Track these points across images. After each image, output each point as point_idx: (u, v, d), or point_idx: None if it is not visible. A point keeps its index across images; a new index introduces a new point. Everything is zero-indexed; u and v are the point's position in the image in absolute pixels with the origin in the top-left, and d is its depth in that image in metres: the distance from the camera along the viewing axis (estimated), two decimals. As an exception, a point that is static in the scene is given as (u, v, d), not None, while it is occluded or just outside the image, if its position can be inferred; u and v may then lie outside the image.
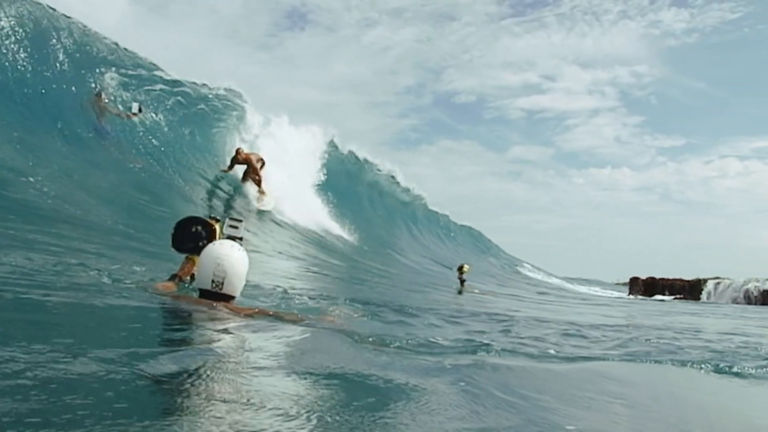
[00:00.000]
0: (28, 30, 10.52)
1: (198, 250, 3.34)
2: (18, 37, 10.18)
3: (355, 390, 2.04)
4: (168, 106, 14.22)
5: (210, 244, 3.28)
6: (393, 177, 23.40)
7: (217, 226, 3.53)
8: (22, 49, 10.15)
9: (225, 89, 16.29)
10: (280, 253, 10.78)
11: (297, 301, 4.87)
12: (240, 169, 14.26)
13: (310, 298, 5.33)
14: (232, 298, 3.27)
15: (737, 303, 28.67)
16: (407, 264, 17.88)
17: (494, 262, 29.38)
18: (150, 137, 12.66)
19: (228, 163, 14.09)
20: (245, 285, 3.45)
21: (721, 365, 3.79)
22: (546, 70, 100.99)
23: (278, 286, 5.57)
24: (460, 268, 14.38)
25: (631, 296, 32.32)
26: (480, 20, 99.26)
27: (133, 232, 7.05)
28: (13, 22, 10.12)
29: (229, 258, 3.18)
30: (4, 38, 9.95)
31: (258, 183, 13.98)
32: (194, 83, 15.57)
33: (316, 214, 15.89)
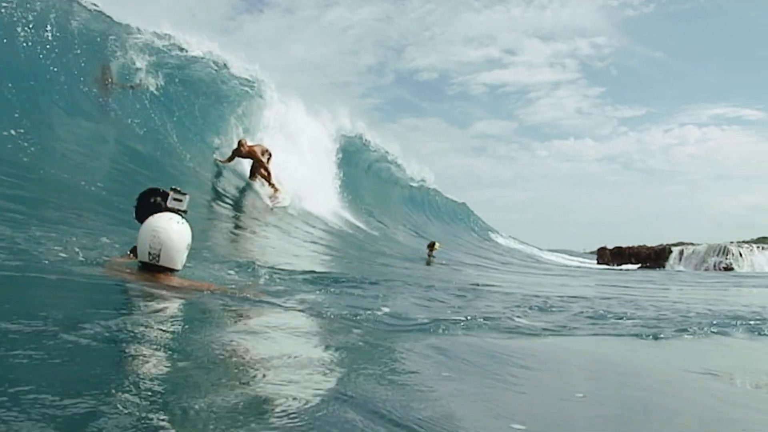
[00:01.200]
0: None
1: None
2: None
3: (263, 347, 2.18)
4: (177, 82, 13.08)
5: (150, 217, 3.28)
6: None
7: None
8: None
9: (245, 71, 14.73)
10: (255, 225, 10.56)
11: (265, 276, 4.81)
12: (243, 163, 12.97)
13: (275, 272, 5.21)
14: (173, 270, 3.29)
15: (705, 270, 29.39)
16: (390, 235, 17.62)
17: (472, 233, 29.30)
18: (152, 114, 11.80)
19: (228, 154, 12.65)
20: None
21: (647, 333, 3.80)
22: (507, 45, 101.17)
23: (251, 261, 5.65)
24: (431, 246, 14.23)
25: (600, 265, 32.89)
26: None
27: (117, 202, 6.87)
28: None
29: (166, 230, 3.20)
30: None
31: (268, 179, 12.71)
32: (212, 61, 14.07)
33: (319, 198, 14.40)
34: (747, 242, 32.39)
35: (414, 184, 24.49)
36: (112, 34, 11.53)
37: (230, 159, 12.65)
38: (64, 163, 7.59)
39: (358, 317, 3.35)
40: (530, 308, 4.88)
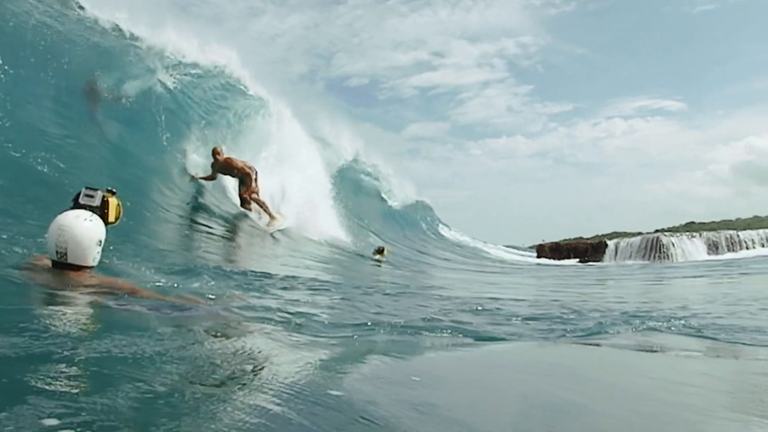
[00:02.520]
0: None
1: None
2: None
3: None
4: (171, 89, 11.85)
5: (59, 215, 3.29)
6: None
7: (114, 199, 3.56)
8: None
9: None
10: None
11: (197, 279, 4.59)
12: (227, 182, 11.33)
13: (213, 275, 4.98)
14: (86, 267, 3.29)
15: (642, 258, 29.99)
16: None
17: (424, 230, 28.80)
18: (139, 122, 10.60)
19: (201, 170, 10.89)
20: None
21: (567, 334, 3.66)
22: (435, 47, 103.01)
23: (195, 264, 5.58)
24: (381, 251, 13.57)
25: (540, 259, 33.20)
26: (366, 2, 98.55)
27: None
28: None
29: (71, 228, 3.22)
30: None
31: (261, 205, 10.99)
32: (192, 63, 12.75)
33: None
34: (677, 229, 33.36)
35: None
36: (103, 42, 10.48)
37: (211, 176, 10.84)
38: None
39: (271, 320, 3.32)
40: (463, 311, 4.71)
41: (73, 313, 2.76)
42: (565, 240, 35.38)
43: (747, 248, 30.88)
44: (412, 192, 28.36)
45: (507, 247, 45.08)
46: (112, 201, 3.54)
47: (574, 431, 1.87)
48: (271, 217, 10.96)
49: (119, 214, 3.57)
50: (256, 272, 5.94)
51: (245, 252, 8.93)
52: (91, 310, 2.90)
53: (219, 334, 2.85)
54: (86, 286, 3.21)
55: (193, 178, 10.61)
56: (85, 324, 2.61)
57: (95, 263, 3.31)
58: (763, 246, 31.33)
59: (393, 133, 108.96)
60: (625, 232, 32.92)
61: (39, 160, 6.71)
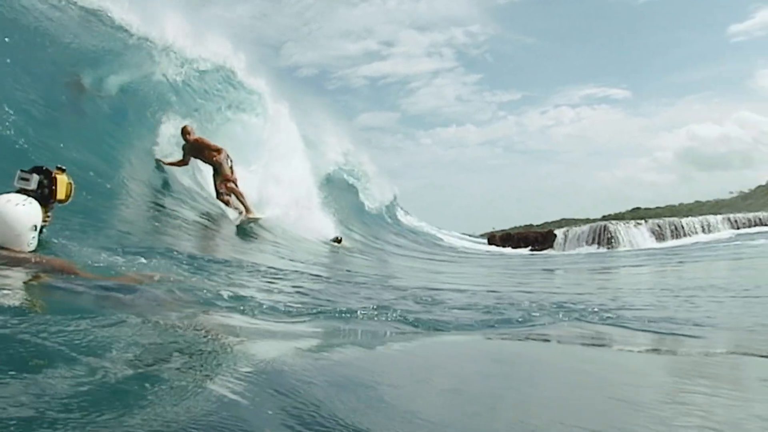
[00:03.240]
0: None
1: (40, 199, 3.36)
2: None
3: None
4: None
5: None
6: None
7: (64, 176, 3.51)
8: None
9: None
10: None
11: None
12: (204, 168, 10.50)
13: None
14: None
15: (590, 246, 30.63)
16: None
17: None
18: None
19: (171, 155, 10.10)
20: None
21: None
22: (384, 37, 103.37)
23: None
24: (338, 240, 13.29)
25: (491, 247, 33.63)
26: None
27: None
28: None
29: (1, 214, 3.13)
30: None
31: (238, 195, 10.11)
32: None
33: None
34: (623, 215, 34.32)
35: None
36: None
37: (183, 160, 10.01)
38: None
39: (213, 304, 3.29)
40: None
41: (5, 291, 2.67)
42: (515, 228, 35.99)
43: (689, 235, 31.87)
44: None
45: (461, 234, 45.71)
46: (61, 178, 3.49)
47: (493, 422, 1.83)
48: (248, 210, 10.12)
49: (70, 192, 3.53)
50: (212, 258, 5.95)
51: (207, 238, 8.61)
52: (23, 289, 2.83)
53: (158, 317, 2.78)
54: (18, 261, 3.13)
55: (159, 163, 9.82)
56: (17, 303, 2.54)
57: (31, 248, 3.25)
58: (704, 232, 32.45)
59: (344, 123, 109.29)
60: (573, 219, 33.69)
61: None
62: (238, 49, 14.04)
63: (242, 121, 13.57)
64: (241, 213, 10.10)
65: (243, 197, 10.13)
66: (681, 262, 12.50)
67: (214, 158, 9.95)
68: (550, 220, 33.47)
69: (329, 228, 13.78)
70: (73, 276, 3.17)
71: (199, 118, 11.97)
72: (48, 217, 3.49)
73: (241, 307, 3.31)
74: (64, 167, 3.52)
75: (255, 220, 10.10)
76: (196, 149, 9.96)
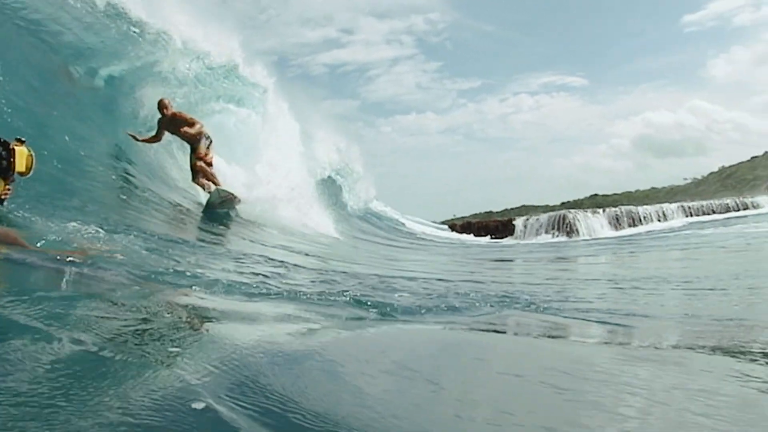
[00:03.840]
0: None
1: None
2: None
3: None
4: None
5: None
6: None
7: (24, 148, 3.48)
8: None
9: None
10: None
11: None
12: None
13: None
14: None
15: (549, 235, 31.11)
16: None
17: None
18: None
19: (144, 132, 9.70)
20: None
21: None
22: (344, 24, 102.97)
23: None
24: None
25: (453, 234, 33.89)
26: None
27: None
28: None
29: None
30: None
31: (209, 175, 9.64)
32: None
33: None
34: (582, 202, 35.01)
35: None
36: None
37: (156, 137, 9.61)
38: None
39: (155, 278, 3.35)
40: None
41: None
42: (476, 215, 36.34)
43: (645, 223, 32.69)
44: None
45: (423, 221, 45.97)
46: (20, 150, 3.46)
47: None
48: (218, 185, 9.74)
49: (31, 163, 3.49)
50: (173, 238, 5.94)
51: (173, 218, 8.43)
52: None
53: (103, 291, 2.87)
54: None
55: (134, 139, 9.43)
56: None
57: None
58: (659, 221, 33.36)
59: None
60: (533, 206, 34.24)
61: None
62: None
63: (235, 112, 13.41)
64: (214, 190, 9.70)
65: (215, 178, 9.72)
66: (632, 252, 12.82)
67: (191, 134, 9.53)
68: (510, 206, 34.03)
69: (317, 220, 13.26)
70: (18, 247, 3.17)
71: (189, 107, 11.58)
72: (8, 189, 3.49)
73: (193, 285, 3.40)
74: (23, 138, 3.49)
75: (231, 199, 9.68)
76: (173, 124, 9.51)
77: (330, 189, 23.75)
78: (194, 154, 9.62)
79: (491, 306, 4.18)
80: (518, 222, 33.64)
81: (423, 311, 3.78)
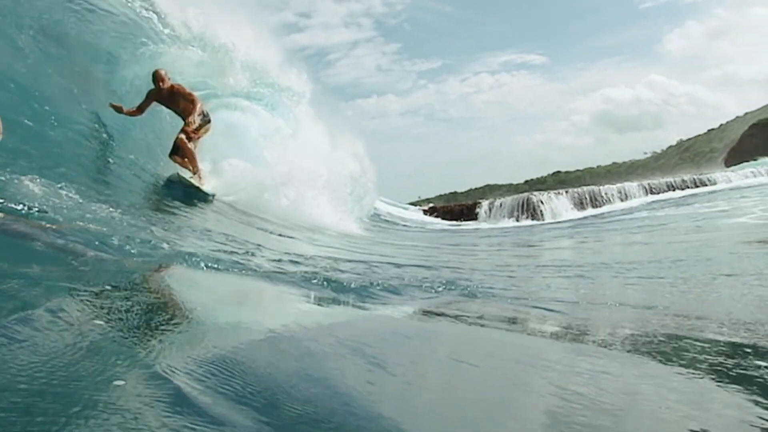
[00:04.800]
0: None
1: None
2: None
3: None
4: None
5: None
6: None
7: None
8: None
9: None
10: None
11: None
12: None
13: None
14: None
15: (513, 218, 31.58)
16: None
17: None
18: None
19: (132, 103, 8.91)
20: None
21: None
22: (301, 8, 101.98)
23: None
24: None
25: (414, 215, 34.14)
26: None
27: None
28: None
29: None
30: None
31: (186, 151, 8.99)
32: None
33: None
34: (545, 179, 35.44)
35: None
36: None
37: (139, 109, 8.88)
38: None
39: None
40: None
41: None
42: (441, 195, 36.60)
43: (607, 203, 33.45)
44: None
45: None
46: None
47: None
48: (195, 172, 9.08)
49: None
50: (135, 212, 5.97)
51: (138, 192, 8.20)
52: None
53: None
54: None
55: (118, 111, 8.67)
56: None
57: None
58: (621, 201, 34.17)
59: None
60: (497, 185, 34.66)
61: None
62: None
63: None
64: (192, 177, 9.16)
65: (193, 160, 9.07)
66: (585, 238, 13.20)
67: (187, 108, 8.90)
68: (474, 186, 34.37)
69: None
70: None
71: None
72: None
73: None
74: None
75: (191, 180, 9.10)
76: (170, 97, 8.93)
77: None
78: (183, 128, 8.98)
79: (435, 291, 4.46)
80: (483, 206, 34.11)
81: (363, 294, 4.04)
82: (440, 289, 4.57)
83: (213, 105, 10.69)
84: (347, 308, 3.69)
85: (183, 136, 8.84)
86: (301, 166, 11.52)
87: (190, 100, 8.88)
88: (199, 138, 9.08)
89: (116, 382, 1.60)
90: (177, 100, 8.93)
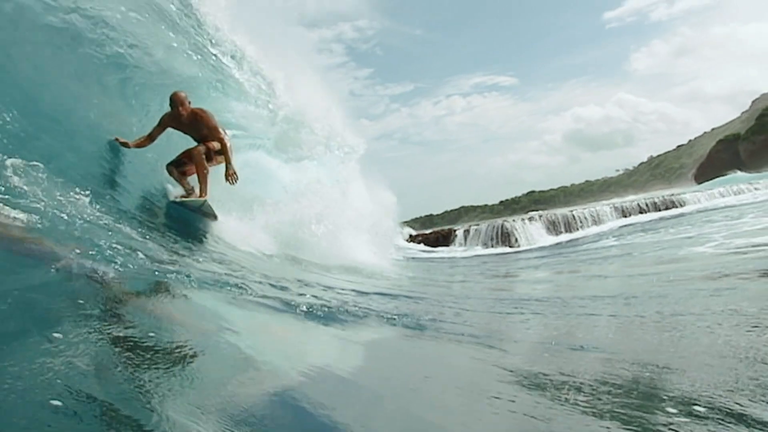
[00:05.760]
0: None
1: None
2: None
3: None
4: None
5: None
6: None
7: None
8: None
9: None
10: None
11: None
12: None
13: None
14: None
15: (488, 245, 32.03)
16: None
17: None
18: None
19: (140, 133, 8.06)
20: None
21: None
22: None
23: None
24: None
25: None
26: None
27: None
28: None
29: None
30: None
31: (202, 171, 7.98)
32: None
33: None
34: (519, 199, 35.92)
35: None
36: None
37: (150, 137, 7.90)
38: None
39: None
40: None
41: None
42: (416, 219, 37.09)
43: (581, 228, 34.12)
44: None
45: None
46: None
47: None
48: (203, 193, 8.01)
49: None
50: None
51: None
52: None
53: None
54: None
55: (124, 146, 7.70)
56: None
57: None
58: (595, 224, 34.88)
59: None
60: (472, 206, 35.22)
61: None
62: None
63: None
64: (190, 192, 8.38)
65: (205, 180, 8.05)
66: (550, 270, 13.67)
67: (212, 143, 8.02)
68: (450, 208, 34.72)
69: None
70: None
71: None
72: None
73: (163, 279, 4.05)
74: None
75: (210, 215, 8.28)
76: (190, 125, 8.03)
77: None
78: (205, 142, 8.02)
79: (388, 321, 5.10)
80: (459, 233, 34.63)
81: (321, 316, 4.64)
82: (394, 319, 5.18)
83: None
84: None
85: (203, 149, 7.95)
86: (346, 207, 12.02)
87: (218, 139, 8.02)
88: (216, 163, 8.21)
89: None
90: (199, 128, 8.04)
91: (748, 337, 4.02)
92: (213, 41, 11.73)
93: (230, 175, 8.04)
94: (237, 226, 8.86)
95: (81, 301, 3.11)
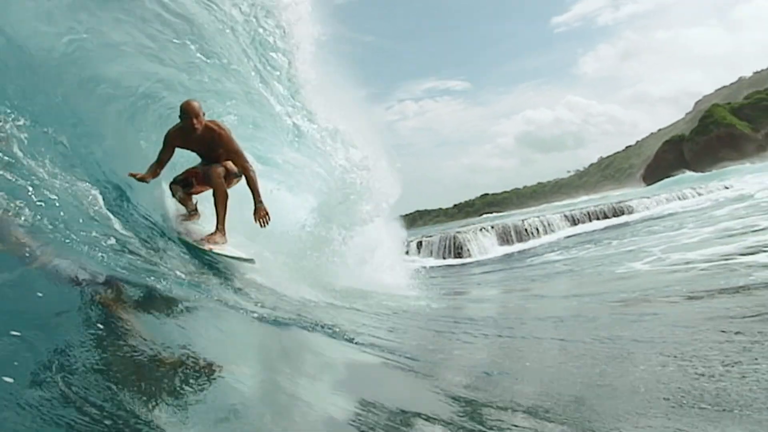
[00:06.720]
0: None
1: None
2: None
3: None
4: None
5: None
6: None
7: None
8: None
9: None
10: None
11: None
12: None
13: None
14: None
15: (441, 256, 32.47)
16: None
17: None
18: None
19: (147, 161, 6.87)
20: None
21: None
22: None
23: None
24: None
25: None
26: None
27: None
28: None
29: None
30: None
31: (221, 207, 6.69)
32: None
33: None
34: (473, 202, 36.37)
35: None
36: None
37: (159, 162, 6.66)
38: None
39: None
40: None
41: None
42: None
43: (531, 237, 34.93)
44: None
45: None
46: None
47: None
48: (219, 230, 6.77)
49: None
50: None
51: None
52: None
53: None
54: None
55: (142, 180, 6.47)
56: None
57: None
58: (546, 233, 35.75)
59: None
60: (426, 210, 35.59)
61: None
62: None
63: None
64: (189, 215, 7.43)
65: (224, 204, 6.71)
66: (491, 288, 14.10)
67: (228, 163, 6.87)
68: (404, 213, 34.67)
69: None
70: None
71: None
72: None
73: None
74: None
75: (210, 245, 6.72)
76: (201, 142, 6.73)
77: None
78: (224, 163, 6.85)
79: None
80: (412, 245, 34.98)
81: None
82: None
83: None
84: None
85: (222, 171, 6.74)
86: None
87: (243, 167, 6.81)
88: (231, 186, 6.98)
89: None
90: (214, 147, 6.79)
91: (655, 370, 4.37)
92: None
93: (261, 217, 6.70)
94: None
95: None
